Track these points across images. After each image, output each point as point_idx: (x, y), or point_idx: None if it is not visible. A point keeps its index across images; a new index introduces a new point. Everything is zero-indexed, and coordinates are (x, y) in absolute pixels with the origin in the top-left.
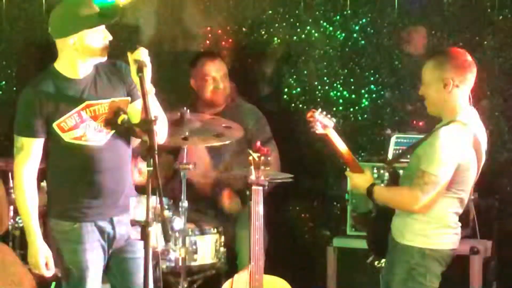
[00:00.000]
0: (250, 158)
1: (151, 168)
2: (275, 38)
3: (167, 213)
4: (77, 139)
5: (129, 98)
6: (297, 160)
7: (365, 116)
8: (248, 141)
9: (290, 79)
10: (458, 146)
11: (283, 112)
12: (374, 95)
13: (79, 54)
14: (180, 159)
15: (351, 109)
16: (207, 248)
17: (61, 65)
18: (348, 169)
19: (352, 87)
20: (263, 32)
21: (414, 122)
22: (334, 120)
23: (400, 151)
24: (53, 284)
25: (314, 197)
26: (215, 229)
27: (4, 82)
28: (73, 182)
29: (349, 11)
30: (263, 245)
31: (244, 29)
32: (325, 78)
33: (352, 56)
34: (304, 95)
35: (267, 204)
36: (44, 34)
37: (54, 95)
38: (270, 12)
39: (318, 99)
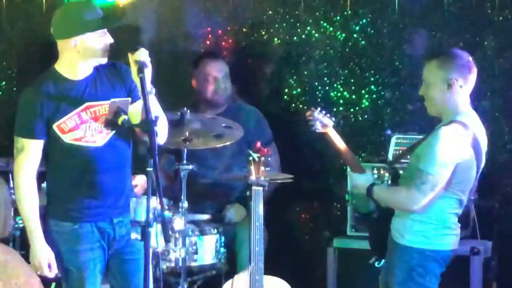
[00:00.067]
0: (250, 158)
1: (151, 169)
2: (275, 39)
3: (167, 213)
4: (77, 140)
5: (129, 99)
6: (297, 161)
7: (365, 116)
8: (249, 143)
9: (290, 80)
10: (457, 146)
11: (284, 113)
12: (374, 96)
13: (80, 55)
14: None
15: (351, 110)
16: (207, 249)
17: (61, 66)
18: (348, 169)
19: (352, 87)
20: (263, 33)
21: (415, 122)
22: (334, 119)
23: (400, 151)
24: (53, 284)
25: (314, 197)
26: (215, 230)
27: (4, 83)
28: (73, 183)
29: (349, 12)
30: (263, 246)
31: (244, 29)
32: (325, 79)
33: (352, 56)
34: (304, 96)
35: (267, 204)
36: (44, 34)
37: (55, 96)
38: (270, 12)
39: (318, 100)
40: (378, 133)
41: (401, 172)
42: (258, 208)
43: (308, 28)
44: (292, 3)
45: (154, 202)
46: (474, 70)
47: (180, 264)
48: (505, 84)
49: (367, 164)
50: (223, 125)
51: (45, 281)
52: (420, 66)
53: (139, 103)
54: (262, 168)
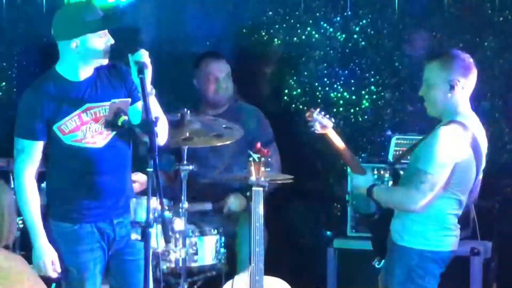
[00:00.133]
0: (250, 159)
1: (152, 169)
2: (276, 39)
3: (167, 214)
4: (78, 141)
5: (129, 100)
6: (298, 161)
7: (366, 117)
8: (250, 143)
9: (291, 80)
10: (456, 146)
11: (284, 113)
12: (374, 96)
13: (81, 56)
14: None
15: (352, 110)
16: (207, 249)
17: (62, 68)
18: (349, 169)
19: (353, 88)
20: (263, 33)
21: (415, 123)
22: (333, 120)
23: (400, 152)
24: (53, 285)
25: (315, 198)
26: (215, 230)
27: (4, 83)
28: (74, 184)
29: (349, 12)
30: (263, 246)
31: (244, 30)
32: (326, 79)
33: (353, 57)
34: (304, 96)
35: (268, 205)
36: (44, 35)
37: (55, 98)
38: (271, 13)
39: (319, 100)
40: (378, 134)
41: (401, 172)
42: (258, 209)
43: (308, 28)
44: (292, 4)
45: (154, 202)
46: (475, 72)
47: (180, 265)
48: (505, 85)
49: (367, 164)
50: (223, 126)
51: (45, 281)
52: (420, 67)
53: (139, 104)
54: (262, 168)
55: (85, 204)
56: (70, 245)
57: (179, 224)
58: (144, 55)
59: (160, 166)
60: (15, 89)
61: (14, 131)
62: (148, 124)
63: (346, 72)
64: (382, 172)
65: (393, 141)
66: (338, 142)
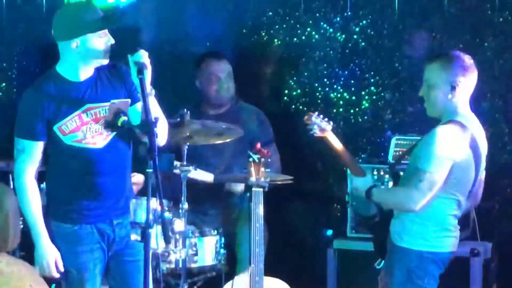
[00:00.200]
0: (250, 160)
1: (151, 170)
2: (275, 40)
3: (167, 214)
4: (78, 142)
5: (129, 100)
6: (298, 162)
7: (365, 117)
8: (250, 143)
9: (290, 81)
10: (453, 144)
11: (284, 114)
12: (374, 97)
13: (81, 57)
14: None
15: (351, 111)
16: (207, 250)
17: (63, 68)
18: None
19: (352, 88)
20: (263, 34)
21: (415, 123)
22: (332, 123)
23: (400, 152)
24: (53, 285)
25: (315, 198)
26: (215, 231)
27: (4, 84)
28: (74, 184)
29: (349, 13)
30: (263, 247)
31: (244, 30)
32: (325, 80)
33: (353, 57)
34: (304, 97)
35: (268, 205)
36: (45, 36)
37: (56, 98)
38: (270, 13)
39: (318, 101)
40: (378, 134)
41: (401, 173)
42: (258, 209)
43: (308, 29)
44: (292, 4)
45: (154, 203)
46: (476, 73)
47: (180, 265)
48: (505, 85)
49: (367, 165)
50: (223, 126)
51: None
52: (420, 68)
53: (139, 105)
54: (262, 169)
55: (85, 204)
56: (70, 245)
57: (179, 224)
58: (143, 56)
59: (159, 167)
60: (15, 90)
61: (14, 131)
62: (147, 125)
63: (346, 72)
64: (382, 173)
65: (393, 141)
66: (337, 144)
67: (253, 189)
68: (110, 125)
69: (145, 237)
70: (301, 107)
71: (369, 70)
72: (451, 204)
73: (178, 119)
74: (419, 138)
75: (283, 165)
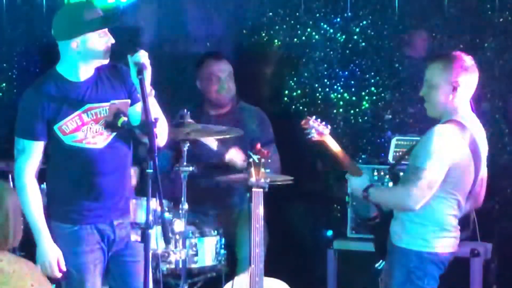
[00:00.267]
0: (250, 160)
1: (151, 171)
2: (276, 40)
3: (167, 215)
4: (78, 142)
5: (129, 101)
6: (298, 162)
7: (366, 118)
8: (251, 142)
9: (291, 81)
10: (451, 144)
11: (284, 114)
12: (374, 97)
13: (81, 56)
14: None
15: (352, 111)
16: (207, 250)
17: (63, 68)
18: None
19: (353, 89)
20: (263, 34)
21: (415, 124)
22: (329, 126)
23: (400, 153)
24: (53, 286)
25: (315, 199)
26: (216, 231)
27: (4, 84)
28: (74, 185)
29: (349, 13)
30: (263, 247)
31: (244, 31)
32: (326, 80)
33: (353, 58)
34: (304, 97)
35: (268, 206)
36: (45, 36)
37: (56, 98)
38: (271, 14)
39: (319, 101)
40: (378, 135)
41: (401, 174)
42: (258, 210)
43: (308, 29)
44: (292, 5)
45: (154, 203)
46: (477, 74)
47: (180, 266)
48: (505, 86)
49: (367, 165)
50: (223, 127)
51: None
52: (420, 68)
53: (139, 105)
54: (262, 170)
55: (85, 205)
56: (70, 246)
57: (179, 225)
58: (143, 56)
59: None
60: (15, 90)
61: (14, 131)
62: (147, 125)
63: (346, 73)
64: (382, 173)
65: (393, 142)
66: (336, 148)
67: (253, 189)
68: (110, 125)
69: (145, 238)
70: (301, 107)
71: (369, 71)
72: (450, 204)
73: (179, 120)
74: (419, 138)
75: (283, 165)
